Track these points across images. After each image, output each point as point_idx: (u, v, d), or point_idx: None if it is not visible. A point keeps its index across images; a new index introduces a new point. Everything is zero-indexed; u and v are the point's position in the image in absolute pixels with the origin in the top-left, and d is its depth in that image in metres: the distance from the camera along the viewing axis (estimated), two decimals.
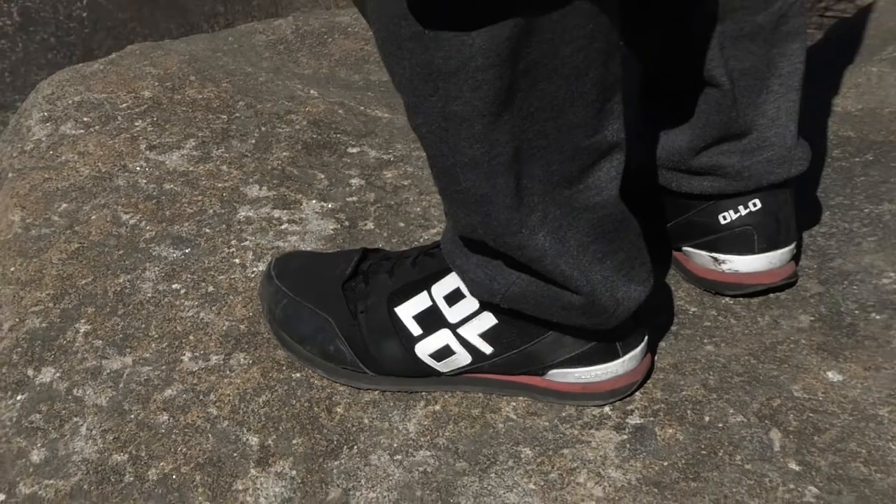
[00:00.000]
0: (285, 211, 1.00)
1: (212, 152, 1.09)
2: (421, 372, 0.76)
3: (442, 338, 0.73)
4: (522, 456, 0.72)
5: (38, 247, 0.95)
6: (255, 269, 0.92)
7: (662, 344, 0.81)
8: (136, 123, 1.14)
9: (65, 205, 1.01)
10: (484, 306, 0.72)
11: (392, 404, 0.77)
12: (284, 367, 0.81)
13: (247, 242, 0.95)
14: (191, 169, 1.06)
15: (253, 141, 1.11)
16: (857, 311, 0.83)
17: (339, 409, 0.77)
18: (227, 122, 1.15)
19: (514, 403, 0.76)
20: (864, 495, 0.67)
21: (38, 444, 0.75)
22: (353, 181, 1.05)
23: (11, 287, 0.91)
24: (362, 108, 1.21)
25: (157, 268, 0.92)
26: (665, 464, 0.70)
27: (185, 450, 0.74)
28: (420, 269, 0.76)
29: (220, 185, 1.04)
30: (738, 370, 0.78)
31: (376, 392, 0.78)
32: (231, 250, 0.94)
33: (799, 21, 0.75)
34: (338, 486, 0.71)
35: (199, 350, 0.83)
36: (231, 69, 1.30)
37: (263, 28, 1.57)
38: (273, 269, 0.83)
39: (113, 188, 1.03)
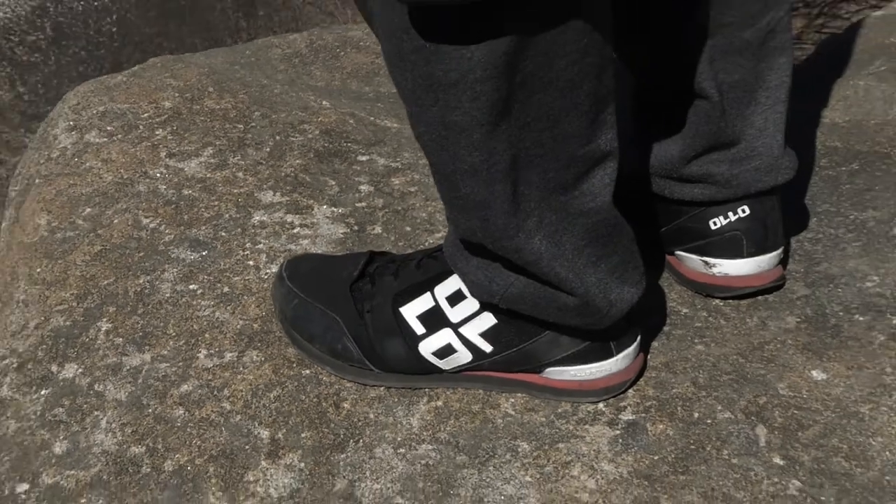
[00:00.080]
0: (297, 216, 1.01)
1: (228, 160, 1.10)
2: (424, 369, 0.77)
3: (444, 337, 0.74)
4: (520, 450, 0.73)
5: (63, 249, 0.96)
6: (268, 270, 0.93)
7: (655, 343, 0.82)
8: (157, 132, 1.15)
9: (88, 209, 1.02)
10: (484, 307, 0.73)
11: (396, 400, 0.78)
12: (295, 365, 0.82)
13: (260, 245, 0.96)
14: (208, 175, 1.07)
15: (267, 149, 1.12)
16: (841, 313, 0.83)
17: (346, 405, 0.78)
18: (244, 131, 1.16)
19: (513, 400, 0.77)
20: (844, 489, 0.67)
21: (61, 437, 0.77)
22: (362, 188, 1.05)
23: (37, 287, 0.92)
24: (372, 118, 1.21)
25: (175, 269, 0.94)
26: (655, 458, 0.71)
27: (199, 443, 0.75)
28: (424, 271, 0.76)
29: (235, 190, 1.05)
30: (726, 369, 0.78)
31: (382, 388, 0.79)
32: (245, 253, 0.96)
33: (786, 36, 0.75)
34: (344, 477, 0.72)
35: (214, 348, 0.84)
36: (248, 81, 1.31)
37: (279, 42, 1.57)
38: (285, 270, 0.84)
39: (134, 194, 1.04)
